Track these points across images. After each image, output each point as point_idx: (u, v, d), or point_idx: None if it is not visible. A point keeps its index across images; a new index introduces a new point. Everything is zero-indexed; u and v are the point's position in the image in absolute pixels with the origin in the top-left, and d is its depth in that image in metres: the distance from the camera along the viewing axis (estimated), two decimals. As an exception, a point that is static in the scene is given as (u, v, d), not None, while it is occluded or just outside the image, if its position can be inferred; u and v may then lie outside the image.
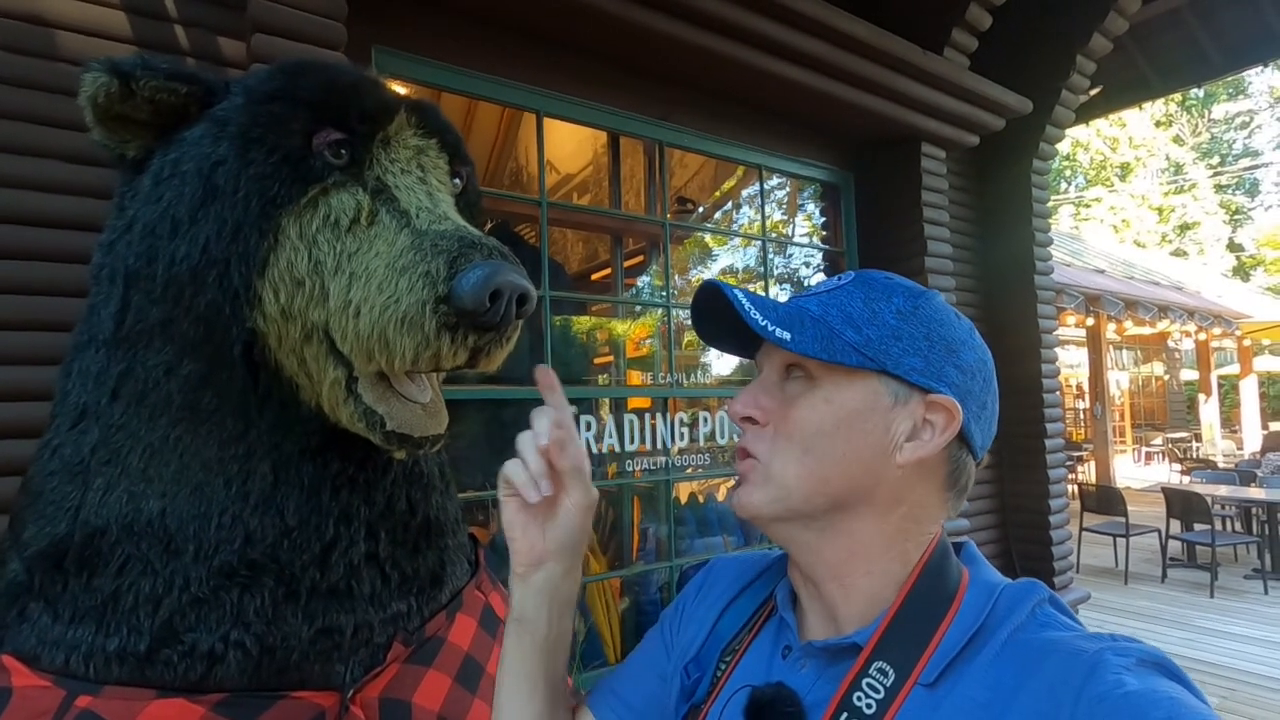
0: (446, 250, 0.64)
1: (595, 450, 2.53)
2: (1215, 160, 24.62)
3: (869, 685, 0.52)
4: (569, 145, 3.99)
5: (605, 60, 2.43)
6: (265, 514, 0.73)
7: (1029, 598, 0.53)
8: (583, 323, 3.42)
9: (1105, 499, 6.06)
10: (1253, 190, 25.39)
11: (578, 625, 2.30)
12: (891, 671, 0.52)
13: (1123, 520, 5.71)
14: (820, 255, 3.50)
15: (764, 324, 0.54)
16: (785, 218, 4.19)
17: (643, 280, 3.96)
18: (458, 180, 0.84)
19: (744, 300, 0.56)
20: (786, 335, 0.54)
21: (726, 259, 4.68)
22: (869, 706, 0.51)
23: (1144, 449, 13.16)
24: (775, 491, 0.56)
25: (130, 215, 0.73)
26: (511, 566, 0.62)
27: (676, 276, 4.20)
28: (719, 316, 0.59)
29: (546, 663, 0.62)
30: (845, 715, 0.51)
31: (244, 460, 0.73)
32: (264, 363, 0.72)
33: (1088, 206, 23.48)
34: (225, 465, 0.72)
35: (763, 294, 0.58)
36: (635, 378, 3.50)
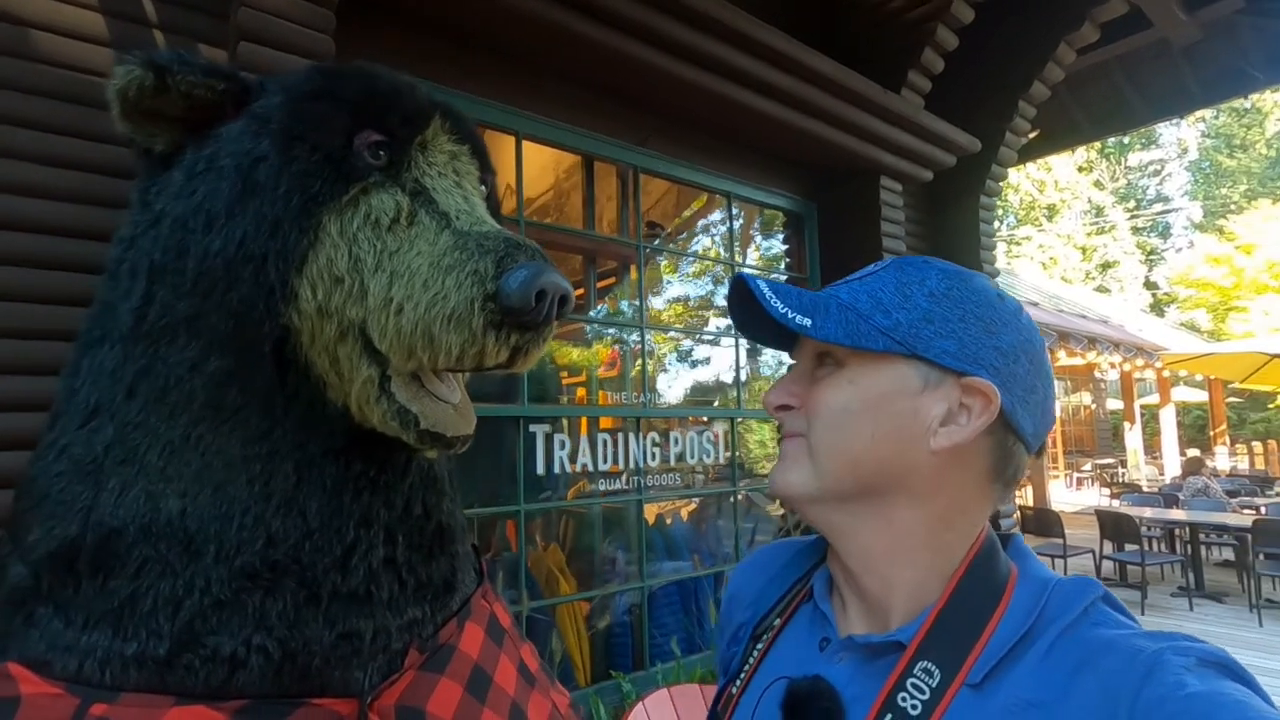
0: (493, 250, 0.66)
1: (568, 470, 2.52)
2: (1131, 204, 26.45)
3: (913, 685, 0.49)
4: (533, 168, 4.03)
5: (585, 86, 2.48)
6: (288, 515, 0.72)
7: (1083, 595, 0.50)
8: (558, 343, 3.42)
9: (1043, 521, 6.32)
10: (1165, 233, 27.36)
11: (553, 647, 2.27)
12: (937, 671, 0.49)
13: (1060, 541, 5.96)
14: (785, 281, 3.61)
15: (784, 311, 0.54)
16: (738, 246, 4.30)
17: (600, 308, 3.99)
18: (483, 187, 0.86)
19: (765, 289, 0.56)
20: (807, 322, 0.54)
21: (694, 284, 4.77)
22: (914, 708, 0.49)
23: (1075, 474, 13.80)
24: (811, 469, 0.56)
25: (158, 210, 0.72)
26: None
27: (651, 295, 4.26)
28: (752, 310, 0.59)
29: None
30: (889, 717, 0.49)
31: (267, 459, 0.72)
32: (294, 360, 0.71)
33: (1019, 244, 24.81)
34: (248, 464, 0.71)
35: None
36: (606, 398, 3.51)
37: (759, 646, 0.64)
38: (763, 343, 0.67)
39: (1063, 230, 24.82)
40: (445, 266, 0.66)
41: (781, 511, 3.48)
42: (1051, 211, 25.37)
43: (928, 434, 0.53)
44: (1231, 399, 16.61)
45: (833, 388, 0.55)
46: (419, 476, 0.85)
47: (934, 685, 0.49)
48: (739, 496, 3.20)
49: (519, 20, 2.08)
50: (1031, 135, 4.45)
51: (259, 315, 0.69)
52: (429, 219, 0.71)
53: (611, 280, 3.73)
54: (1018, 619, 0.50)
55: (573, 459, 2.49)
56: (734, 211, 3.26)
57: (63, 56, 1.55)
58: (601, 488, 2.67)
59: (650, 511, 3.31)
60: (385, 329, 0.68)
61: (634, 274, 2.92)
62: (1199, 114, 23.96)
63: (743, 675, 0.63)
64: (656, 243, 4.21)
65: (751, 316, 0.60)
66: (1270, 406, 16.97)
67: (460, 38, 2.18)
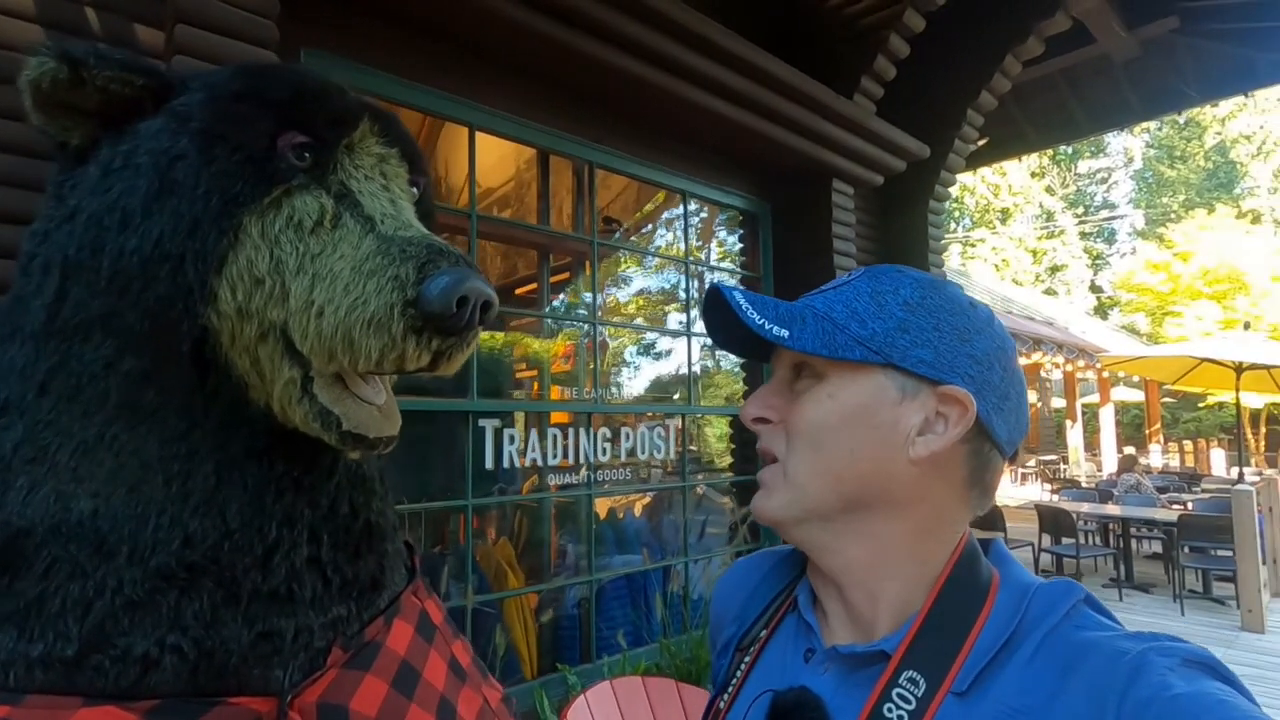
0: (415, 256, 0.66)
1: (518, 464, 2.52)
2: (1080, 210, 27.47)
3: (899, 696, 0.49)
4: (490, 159, 4.01)
5: (541, 80, 2.47)
6: (206, 516, 0.72)
7: (1065, 598, 0.50)
8: (510, 337, 3.41)
9: (987, 516, 6.55)
10: (1110, 238, 28.52)
11: (497, 640, 2.28)
12: (922, 680, 0.49)
13: (1002, 535, 6.20)
14: (739, 280, 3.66)
15: (760, 322, 0.54)
16: (700, 244, 4.35)
17: (561, 300, 3.99)
18: (414, 190, 0.86)
19: (742, 301, 0.56)
20: (785, 333, 0.54)
21: (650, 279, 4.80)
22: (900, 718, 0.48)
23: (1020, 470, 14.31)
24: (792, 493, 0.55)
25: (72, 205, 0.71)
26: None
27: (605, 291, 4.28)
28: (726, 321, 0.59)
29: None
30: None
31: (186, 460, 0.71)
32: (214, 360, 0.71)
33: (973, 246, 25.56)
34: (166, 465, 0.70)
35: (765, 296, 0.59)
36: (558, 392, 3.51)
37: (746, 659, 0.64)
38: (737, 353, 0.66)
39: (1015, 233, 25.62)
40: (367, 271, 0.67)
41: (731, 505, 3.54)
42: (1005, 215, 26.17)
43: (907, 444, 0.53)
44: (1166, 399, 17.45)
45: (813, 404, 0.55)
46: (346, 476, 0.85)
47: (919, 695, 0.49)
48: (694, 490, 3.25)
49: (474, 12, 2.06)
50: (980, 143, 4.60)
51: (177, 315, 0.68)
52: (353, 222, 0.71)
53: (565, 275, 3.73)
54: (1000, 625, 0.50)
55: (522, 454, 2.50)
56: (690, 209, 3.29)
57: (-15, 32, 1.48)
58: (552, 482, 2.68)
59: (602, 506, 3.33)
60: (306, 331, 0.68)
61: (589, 269, 2.93)
62: (1144, 125, 25.00)
63: (730, 688, 0.63)
64: (616, 237, 4.22)
65: (726, 326, 0.60)
66: (1200, 407, 17.88)
67: (413, 27, 2.15)
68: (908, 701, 0.49)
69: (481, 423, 2.39)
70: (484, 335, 2.75)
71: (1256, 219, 22.60)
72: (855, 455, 0.53)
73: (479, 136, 2.43)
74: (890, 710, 0.49)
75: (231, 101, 0.70)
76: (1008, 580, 0.54)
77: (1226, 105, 24.11)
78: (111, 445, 0.69)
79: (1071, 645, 0.47)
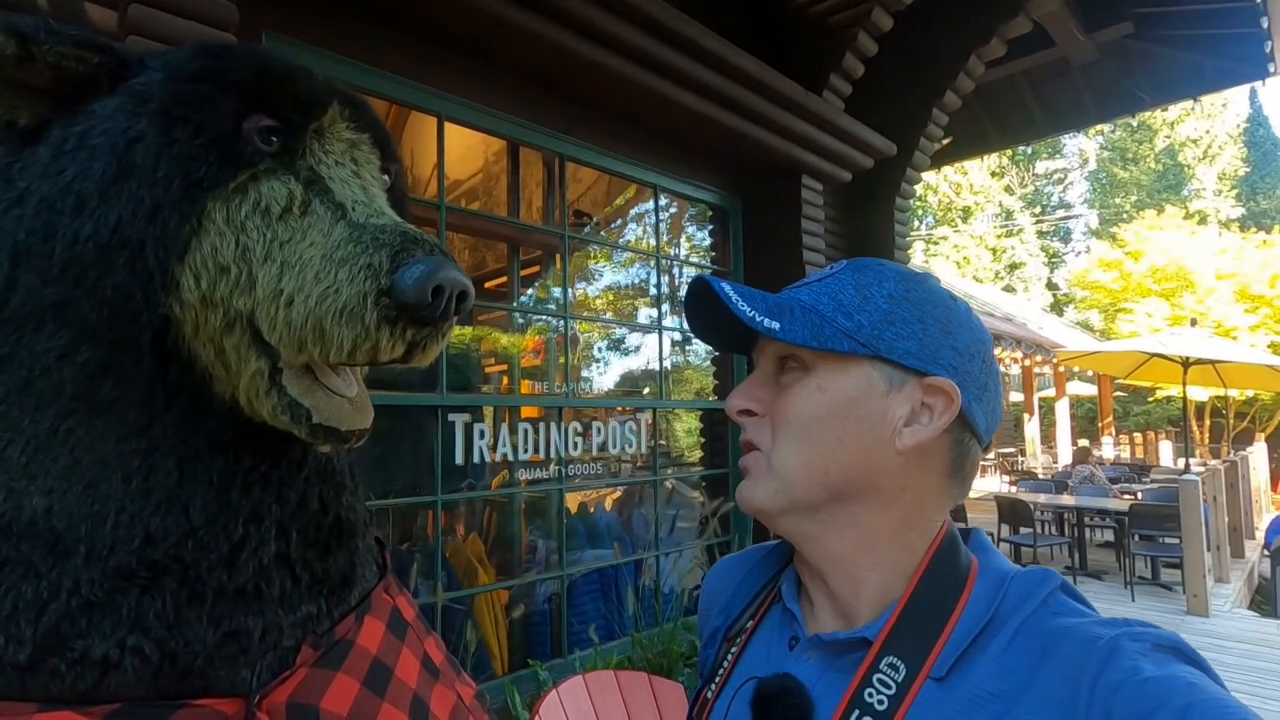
0: (389, 244, 0.65)
1: (488, 459, 2.50)
2: (1038, 209, 28.25)
3: (880, 681, 0.50)
4: (457, 150, 3.95)
5: (512, 70, 2.44)
6: (169, 513, 0.69)
7: (1042, 586, 0.52)
8: (480, 331, 3.37)
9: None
10: (1066, 237, 29.41)
11: (468, 637, 2.25)
12: (902, 666, 0.50)
13: (963, 525, 6.36)
14: (711, 274, 3.68)
15: (751, 314, 0.54)
16: (670, 239, 4.35)
17: (530, 295, 3.96)
18: (386, 177, 0.84)
19: (731, 293, 0.56)
20: (775, 325, 0.54)
21: (620, 274, 4.79)
22: (880, 703, 0.49)
23: (981, 462, 14.65)
24: (777, 483, 0.56)
25: (21, 188, 0.67)
26: None
27: (575, 285, 4.25)
28: (710, 312, 0.59)
29: None
30: (857, 712, 0.50)
31: (146, 455, 0.68)
32: (176, 352, 0.68)
33: (936, 244, 26.09)
34: (124, 460, 0.68)
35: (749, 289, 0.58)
36: (528, 387, 3.49)
37: (733, 650, 0.65)
38: (717, 345, 0.66)
39: (975, 231, 26.24)
40: (338, 259, 0.65)
41: (702, 499, 3.56)
42: (966, 213, 26.78)
43: (894, 435, 0.54)
44: (1118, 393, 18.07)
45: (802, 397, 0.55)
46: (315, 470, 0.83)
47: (899, 680, 0.50)
48: (664, 485, 3.25)
49: (444, 2, 2.02)
50: (945, 142, 4.69)
51: (136, 304, 0.65)
52: (323, 209, 0.69)
53: (536, 269, 3.70)
54: (978, 611, 0.51)
55: (493, 448, 2.47)
56: (660, 204, 3.29)
57: (-78, 7, 1.40)
58: (522, 477, 2.66)
59: (573, 501, 3.32)
60: (275, 321, 0.66)
61: (559, 262, 2.91)
62: (1098, 127, 25.79)
63: (717, 678, 0.64)
64: (586, 231, 4.20)
65: (708, 318, 0.60)
66: (1149, 401, 18.57)
67: (379, 13, 2.11)
68: (888, 687, 0.50)
69: (451, 417, 2.36)
70: (454, 329, 2.71)
71: (1203, 220, 23.50)
72: (843, 446, 0.54)
73: (447, 127, 2.39)
74: (871, 695, 0.50)
75: (193, 81, 0.67)
76: (986, 568, 0.55)
77: (1175, 110, 25.01)
78: (66, 440, 0.66)
79: (1047, 631, 0.48)
